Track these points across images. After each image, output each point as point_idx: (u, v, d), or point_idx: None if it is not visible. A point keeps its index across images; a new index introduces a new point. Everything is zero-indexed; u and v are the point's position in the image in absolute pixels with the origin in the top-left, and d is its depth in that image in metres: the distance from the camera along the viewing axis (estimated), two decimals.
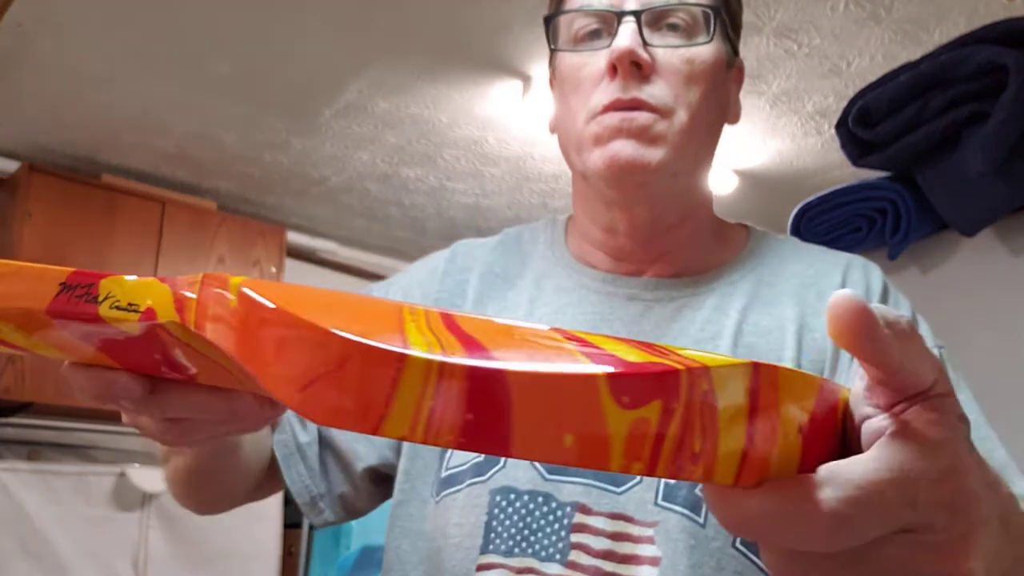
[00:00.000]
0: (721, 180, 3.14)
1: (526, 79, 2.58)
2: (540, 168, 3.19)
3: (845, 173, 1.53)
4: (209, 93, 2.71)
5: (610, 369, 0.26)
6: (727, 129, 0.76)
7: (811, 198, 1.48)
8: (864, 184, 1.44)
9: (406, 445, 0.74)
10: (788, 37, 2.34)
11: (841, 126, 1.43)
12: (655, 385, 0.27)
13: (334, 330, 0.26)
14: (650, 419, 0.27)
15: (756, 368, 0.28)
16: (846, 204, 1.45)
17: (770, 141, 2.92)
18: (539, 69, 2.51)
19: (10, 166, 3.06)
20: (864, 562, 0.30)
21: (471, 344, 0.26)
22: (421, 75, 2.59)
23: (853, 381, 0.34)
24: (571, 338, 0.29)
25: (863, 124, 1.38)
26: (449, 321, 0.29)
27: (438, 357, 0.25)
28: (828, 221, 1.46)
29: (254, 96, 2.73)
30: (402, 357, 0.25)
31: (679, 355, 0.28)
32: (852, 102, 1.40)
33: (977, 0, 2.14)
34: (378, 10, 2.25)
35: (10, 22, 2.24)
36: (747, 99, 2.64)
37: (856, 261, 0.75)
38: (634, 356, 0.27)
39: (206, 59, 2.50)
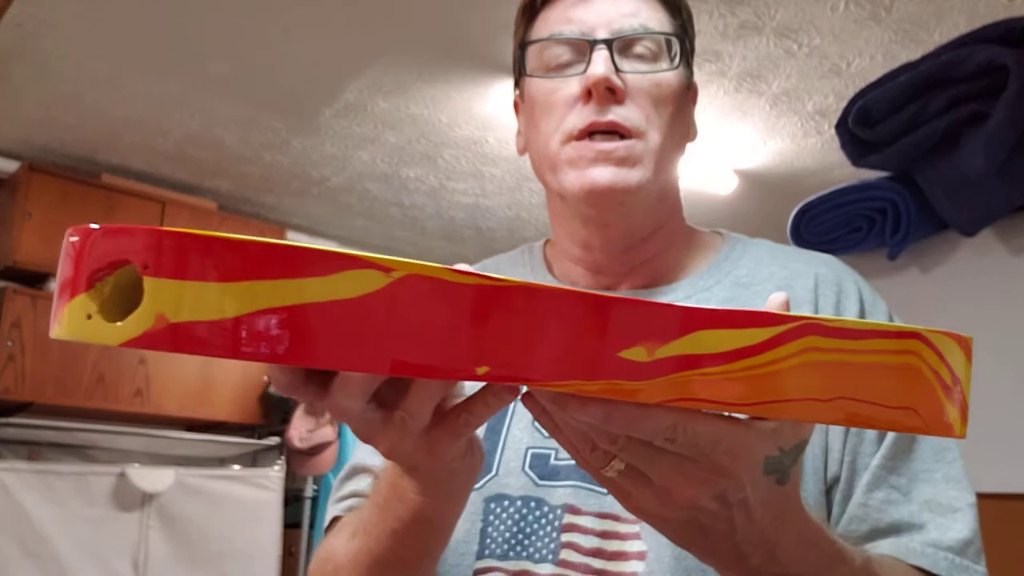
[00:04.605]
0: (721, 180, 3.14)
1: None
2: None
3: (845, 173, 1.53)
4: (209, 93, 2.71)
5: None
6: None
7: (811, 198, 1.48)
8: (864, 184, 1.44)
9: None
10: (788, 37, 2.34)
11: (841, 126, 1.43)
12: None
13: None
14: None
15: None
16: (846, 204, 1.44)
17: (770, 141, 2.91)
18: None
19: (10, 166, 3.06)
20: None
21: None
22: (421, 75, 2.59)
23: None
24: None
25: (863, 124, 1.38)
26: None
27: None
28: (828, 221, 1.46)
29: (254, 96, 2.73)
30: None
31: None
32: (852, 102, 1.40)
33: (977, 0, 2.14)
34: (378, 10, 2.25)
35: (10, 22, 2.24)
36: (747, 99, 2.64)
37: (830, 263, 0.76)
38: None
39: (206, 59, 2.50)
